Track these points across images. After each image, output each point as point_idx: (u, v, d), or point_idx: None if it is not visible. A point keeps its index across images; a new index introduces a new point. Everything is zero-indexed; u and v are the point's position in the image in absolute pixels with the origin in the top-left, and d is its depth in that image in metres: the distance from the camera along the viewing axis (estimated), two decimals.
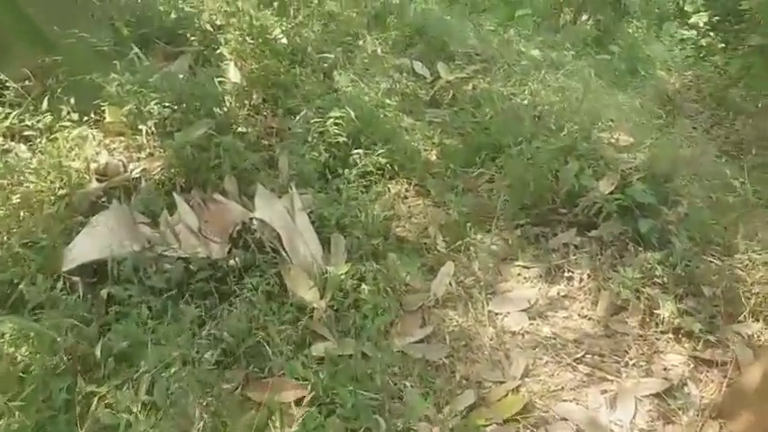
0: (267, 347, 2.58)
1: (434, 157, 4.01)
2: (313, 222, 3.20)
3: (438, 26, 5.22)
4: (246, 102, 4.00)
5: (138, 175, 3.32)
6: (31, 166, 3.19)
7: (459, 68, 4.75)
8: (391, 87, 4.34)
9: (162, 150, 3.46)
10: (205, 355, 2.45)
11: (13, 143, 3.37)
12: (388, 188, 3.68)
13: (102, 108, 3.53)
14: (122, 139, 3.56)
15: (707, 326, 2.86)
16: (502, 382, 2.67)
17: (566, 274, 3.22)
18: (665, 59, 7.43)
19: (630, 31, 7.84)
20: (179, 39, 4.33)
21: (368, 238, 3.18)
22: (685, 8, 7.81)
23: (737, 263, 3.17)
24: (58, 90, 3.48)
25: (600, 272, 3.18)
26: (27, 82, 3.56)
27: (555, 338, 2.90)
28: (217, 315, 2.69)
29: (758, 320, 2.92)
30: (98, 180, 3.30)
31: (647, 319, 2.94)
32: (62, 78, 3.51)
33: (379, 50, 4.69)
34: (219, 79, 3.89)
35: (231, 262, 2.90)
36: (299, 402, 2.41)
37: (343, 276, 2.87)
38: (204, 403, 2.30)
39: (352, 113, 3.73)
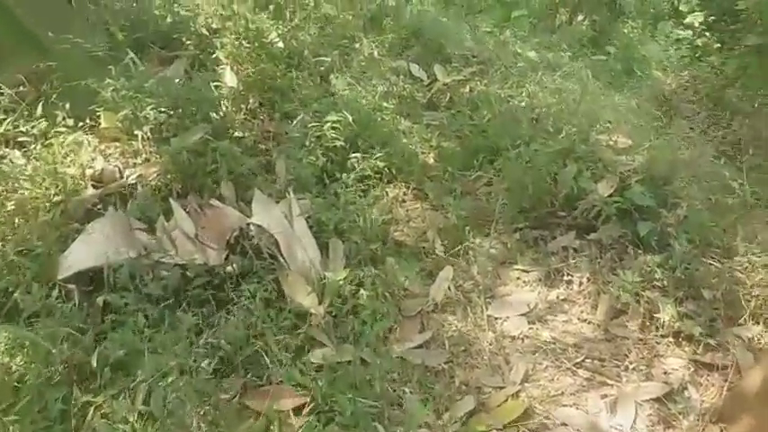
0: (265, 355, 2.56)
1: (432, 161, 4.00)
2: (311, 227, 3.18)
3: (434, 28, 5.19)
4: (243, 106, 3.98)
5: (134, 181, 3.30)
6: (26, 173, 3.16)
7: (455, 71, 4.73)
8: (388, 90, 4.31)
9: (158, 156, 3.44)
10: (202, 363, 2.44)
11: (7, 149, 3.34)
12: (386, 192, 3.67)
13: (98, 113, 3.50)
14: (118, 144, 3.53)
15: (707, 329, 2.86)
16: (501, 388, 2.66)
17: (565, 278, 3.21)
18: (660, 60, 7.42)
19: (626, 31, 7.82)
20: (174, 43, 4.30)
21: (366, 243, 3.17)
22: (680, 8, 7.83)
23: (737, 265, 3.16)
24: (53, 96, 3.45)
25: (599, 275, 3.17)
26: (21, 88, 3.54)
27: (555, 343, 2.89)
28: (214, 323, 2.68)
29: (758, 323, 2.91)
30: (94, 186, 3.27)
31: (647, 323, 2.93)
32: (57, 84, 3.49)
33: (375, 53, 4.67)
34: (215, 83, 3.86)
35: (228, 268, 2.88)
36: (297, 410, 2.40)
37: (341, 282, 2.86)
38: (202, 413, 2.28)
39: (350, 117, 3.71)
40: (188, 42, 4.28)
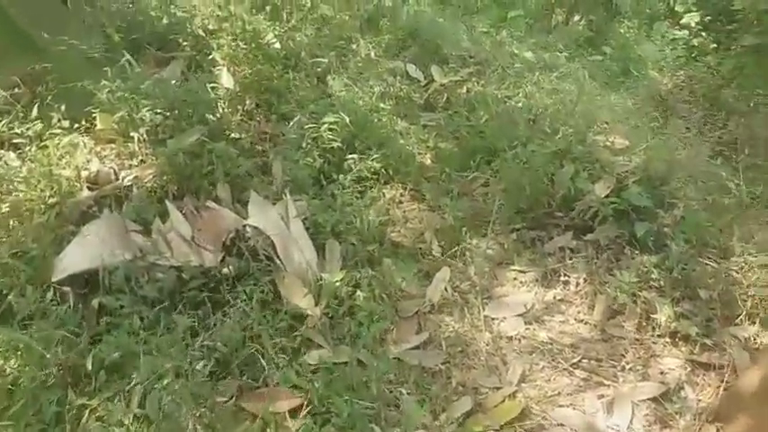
0: (261, 357, 2.56)
1: (429, 162, 4.00)
2: (308, 229, 3.18)
3: (431, 29, 5.19)
4: (239, 107, 3.97)
5: (129, 183, 3.28)
6: (21, 175, 3.15)
7: (452, 71, 4.74)
8: (385, 91, 4.32)
9: (154, 158, 3.43)
10: (198, 365, 2.43)
11: (2, 151, 3.33)
12: (383, 193, 3.67)
13: (93, 115, 3.49)
14: (114, 146, 3.52)
15: (703, 329, 2.86)
16: (498, 388, 2.66)
17: (562, 279, 3.21)
18: (656, 60, 7.42)
19: (622, 31, 7.83)
20: (171, 44, 4.29)
21: (363, 245, 3.17)
22: (676, 8, 7.82)
23: (734, 265, 3.17)
24: (48, 97, 3.44)
25: (596, 276, 3.17)
26: (16, 89, 3.54)
27: (551, 343, 2.89)
28: (210, 325, 2.66)
29: (754, 323, 2.91)
30: (89, 188, 3.26)
31: (644, 323, 2.94)
32: (52, 86, 3.49)
33: (372, 54, 4.67)
34: (212, 85, 3.86)
35: (224, 270, 2.87)
36: (294, 412, 2.39)
37: (338, 283, 2.86)
38: (198, 415, 2.27)
39: (347, 118, 3.71)
40: (184, 44, 4.27)
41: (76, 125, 3.46)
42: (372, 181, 3.67)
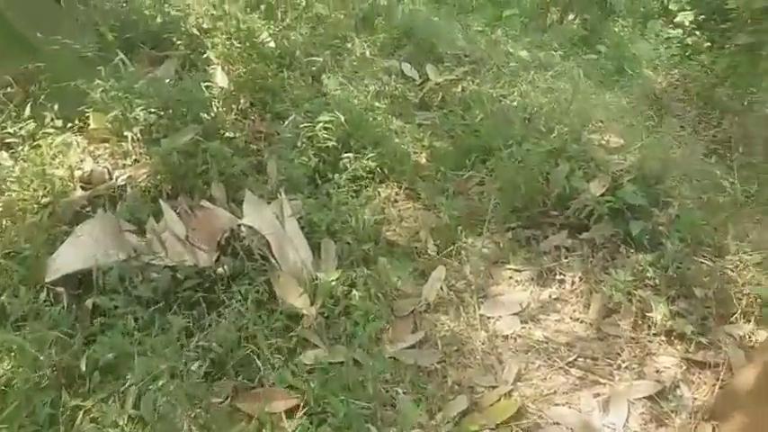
0: (257, 358, 2.54)
1: (424, 161, 3.99)
2: (303, 228, 3.17)
3: (426, 27, 5.19)
4: (234, 106, 3.96)
5: (123, 183, 3.27)
6: (14, 175, 3.13)
7: (448, 70, 4.73)
8: (380, 90, 4.31)
9: (148, 157, 3.41)
10: (193, 366, 2.42)
11: None
12: (379, 192, 3.66)
13: (87, 114, 3.48)
14: (107, 145, 3.51)
15: (699, 327, 2.87)
16: (494, 387, 2.65)
17: (557, 277, 3.21)
18: (651, 58, 7.44)
19: (616, 30, 7.85)
20: (165, 43, 4.27)
21: (358, 244, 3.16)
22: (670, 7, 7.84)
23: (728, 264, 3.17)
24: (41, 96, 3.42)
25: (591, 274, 3.18)
26: (9, 89, 3.52)
27: (547, 342, 2.89)
28: (205, 325, 2.65)
29: (749, 321, 2.92)
30: (82, 188, 3.25)
31: (640, 322, 2.94)
32: (45, 85, 3.47)
33: (367, 53, 4.66)
34: (206, 84, 3.84)
35: (219, 270, 2.86)
36: (289, 413, 2.38)
37: (333, 283, 2.85)
38: (193, 416, 2.26)
39: (342, 117, 3.70)
40: (178, 42, 4.25)
41: (70, 124, 3.44)
42: (368, 180, 3.66)
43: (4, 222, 2.96)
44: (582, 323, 2.99)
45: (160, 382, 2.31)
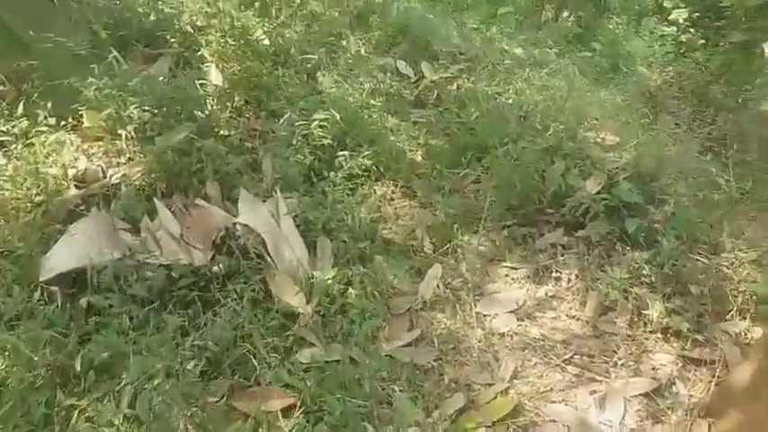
0: (253, 357, 2.53)
1: (420, 158, 3.99)
2: (298, 226, 3.16)
3: (421, 25, 5.19)
4: (228, 104, 3.94)
5: (117, 181, 3.25)
6: (7, 173, 3.12)
7: (443, 68, 4.73)
8: (375, 88, 4.30)
9: (142, 155, 3.39)
10: (189, 365, 2.40)
11: None
12: (374, 190, 3.65)
13: (80, 113, 3.46)
14: (101, 144, 3.49)
15: (695, 325, 2.87)
16: (491, 385, 2.65)
17: (553, 275, 3.21)
18: (645, 56, 7.46)
19: (611, 27, 7.87)
20: (158, 41, 4.24)
21: (354, 242, 3.15)
22: (664, 4, 7.84)
23: (724, 261, 3.18)
24: (34, 95, 3.40)
25: (588, 272, 3.18)
26: (2, 87, 3.50)
27: (543, 340, 2.89)
28: (200, 324, 2.64)
29: (745, 318, 2.93)
30: (76, 186, 3.23)
31: (636, 319, 2.94)
32: (38, 83, 3.44)
33: (362, 50, 4.65)
34: (201, 82, 3.82)
35: (214, 269, 2.85)
36: (286, 411, 2.37)
37: (329, 281, 2.84)
38: (189, 415, 2.25)
39: (337, 115, 3.68)
40: (172, 40, 4.23)
41: (63, 123, 3.42)
42: (363, 178, 3.65)
43: None
44: (578, 321, 2.99)
45: (156, 382, 2.30)
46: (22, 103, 3.38)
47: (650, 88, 6.43)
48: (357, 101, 4.04)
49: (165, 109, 3.51)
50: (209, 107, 3.78)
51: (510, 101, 4.35)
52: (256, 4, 4.59)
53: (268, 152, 3.65)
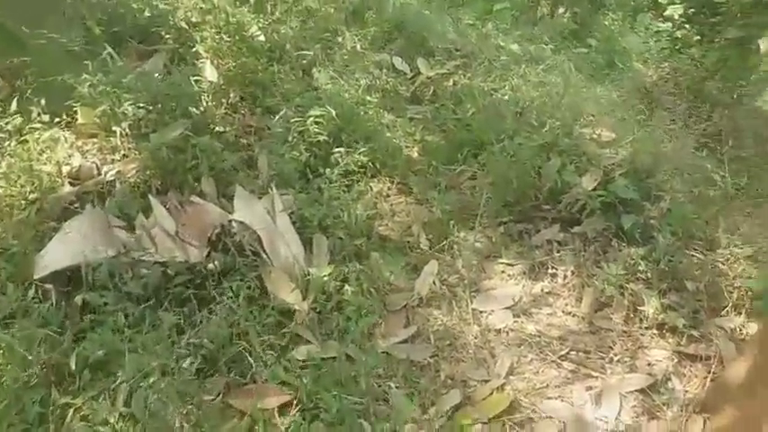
0: (249, 354, 2.53)
1: (416, 155, 3.98)
2: (294, 223, 3.15)
3: (417, 21, 5.17)
4: (224, 101, 3.92)
5: (112, 178, 3.23)
6: (0, 171, 3.09)
7: (439, 64, 4.71)
8: (371, 84, 4.29)
9: (137, 152, 3.38)
10: (185, 363, 2.39)
11: None
12: (371, 187, 3.64)
13: (75, 109, 3.43)
14: (96, 140, 3.46)
15: (690, 321, 2.88)
16: (487, 381, 2.65)
17: (549, 271, 3.21)
18: (641, 52, 7.46)
19: (606, 23, 7.87)
20: (153, 37, 4.22)
21: (350, 239, 3.15)
22: (659, 0, 7.86)
23: (720, 257, 3.19)
24: (28, 91, 3.38)
25: (583, 268, 3.18)
26: None
27: (539, 336, 2.89)
28: (196, 322, 2.62)
29: (740, 314, 2.93)
30: (71, 184, 3.21)
31: (631, 315, 2.95)
32: (32, 79, 3.42)
33: (358, 46, 4.64)
34: (195, 78, 3.80)
35: (210, 266, 2.83)
36: (282, 409, 2.37)
37: (325, 278, 2.84)
38: (185, 413, 2.24)
39: (333, 112, 3.68)
40: (167, 36, 4.21)
41: (57, 119, 3.39)
42: (359, 174, 3.64)
43: None
44: (574, 317, 2.99)
45: (151, 380, 2.29)
46: (15, 99, 3.35)
47: (646, 84, 6.44)
48: (353, 97, 4.02)
49: (159, 106, 3.49)
50: (205, 104, 3.76)
51: (506, 97, 4.34)
52: (251, 0, 4.57)
53: (263, 149, 3.64)
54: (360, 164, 3.63)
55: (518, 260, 3.28)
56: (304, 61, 4.32)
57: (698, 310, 2.95)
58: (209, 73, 3.95)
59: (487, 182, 3.59)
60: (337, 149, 3.63)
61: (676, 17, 6.89)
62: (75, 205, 3.08)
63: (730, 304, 2.96)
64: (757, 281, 3.02)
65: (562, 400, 2.60)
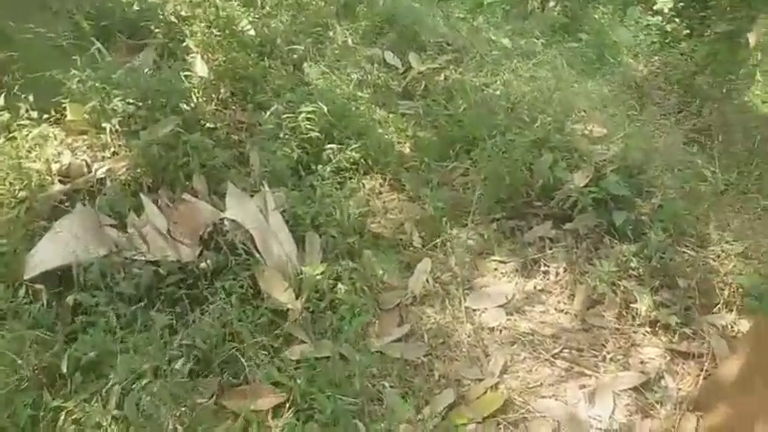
0: (241, 355, 2.51)
1: (408, 151, 3.96)
2: (287, 221, 3.13)
3: (408, 15, 5.13)
4: (214, 96, 3.89)
5: (102, 176, 3.19)
6: None
7: (430, 59, 4.69)
8: (363, 79, 4.27)
9: (127, 149, 3.34)
10: (177, 364, 2.38)
11: None
12: (363, 184, 3.63)
13: (63, 106, 3.38)
14: (85, 137, 3.42)
15: (682, 318, 2.90)
16: (481, 380, 2.66)
17: (542, 268, 3.22)
18: (631, 45, 7.45)
19: (597, 17, 7.85)
20: (142, 31, 4.17)
21: (343, 237, 3.13)
22: None
23: (711, 254, 3.21)
24: (15, 87, 3.31)
25: (576, 265, 3.19)
26: None
27: (532, 334, 2.90)
28: (189, 322, 2.60)
29: (732, 311, 2.96)
30: (61, 182, 3.16)
31: (624, 313, 2.96)
32: (19, 75, 3.36)
33: (349, 41, 4.61)
34: (186, 73, 3.77)
35: (202, 265, 2.82)
36: (276, 410, 2.36)
37: (318, 276, 2.82)
38: (178, 415, 2.23)
39: (325, 108, 3.64)
40: (156, 31, 4.16)
41: (46, 116, 3.35)
42: (351, 171, 3.62)
43: None
44: (567, 314, 3.00)
45: (144, 381, 2.27)
46: (2, 95, 3.29)
47: (636, 79, 6.43)
48: (344, 93, 4.00)
49: (149, 101, 3.45)
50: (195, 99, 3.73)
51: (498, 92, 4.33)
52: None
53: (255, 145, 3.61)
54: (352, 160, 3.61)
55: (511, 257, 3.29)
56: (295, 56, 4.29)
57: (690, 307, 2.97)
58: (200, 68, 3.91)
59: (480, 178, 3.58)
60: (329, 146, 3.61)
61: (666, 11, 6.90)
62: (66, 204, 3.04)
63: (722, 301, 2.98)
64: (748, 277, 3.05)
65: (556, 399, 2.61)
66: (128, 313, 2.57)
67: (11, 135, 3.21)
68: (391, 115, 4.15)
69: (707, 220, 3.40)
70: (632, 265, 3.07)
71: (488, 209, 3.48)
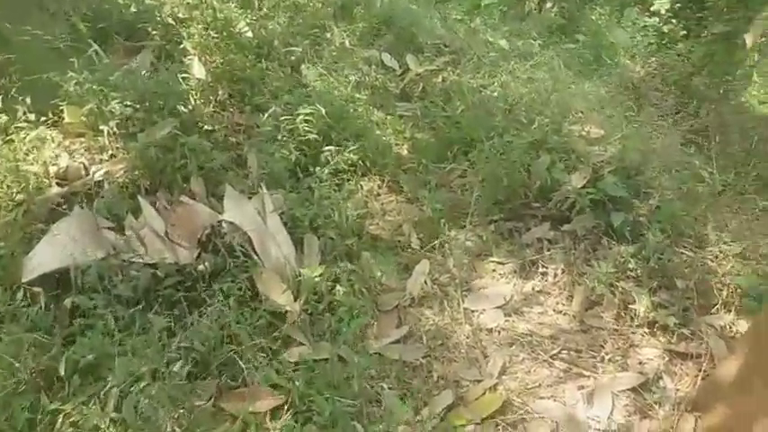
0: (240, 357, 2.51)
1: (406, 152, 3.97)
2: (285, 223, 3.13)
3: (405, 16, 5.15)
4: (212, 98, 3.89)
5: (100, 179, 3.19)
6: None
7: (428, 60, 4.70)
8: (360, 81, 4.27)
9: (125, 152, 3.34)
10: (176, 367, 2.37)
11: None
12: (361, 186, 3.63)
13: (61, 108, 3.38)
14: (83, 140, 3.42)
15: (681, 318, 2.90)
16: (479, 381, 2.66)
17: (540, 270, 3.22)
18: (628, 47, 7.48)
19: (594, 18, 7.88)
20: (140, 33, 4.17)
21: (341, 238, 3.13)
22: None
23: (709, 254, 3.21)
24: (13, 90, 3.30)
25: (574, 266, 3.19)
26: None
27: (531, 335, 2.90)
28: (187, 324, 2.60)
29: (730, 312, 2.96)
30: (58, 184, 3.16)
31: (622, 314, 2.96)
32: (16, 77, 3.35)
33: (347, 43, 4.61)
34: (183, 75, 3.77)
35: (200, 267, 2.81)
36: (274, 412, 2.36)
37: (317, 278, 2.82)
38: (176, 417, 2.22)
39: (323, 110, 3.65)
40: (154, 32, 4.16)
41: (43, 118, 3.34)
42: (350, 173, 3.62)
43: None
44: (565, 315, 3.00)
45: (142, 384, 2.27)
46: (0, 98, 3.29)
47: (633, 80, 6.45)
48: (342, 94, 4.00)
49: (147, 104, 3.46)
50: (193, 101, 3.73)
51: (495, 94, 4.34)
52: None
53: (253, 147, 3.61)
54: (350, 162, 3.62)
55: (509, 259, 3.29)
56: (292, 58, 4.29)
57: (688, 308, 2.97)
58: (197, 70, 3.91)
59: (478, 180, 3.59)
60: (327, 148, 3.61)
61: (663, 12, 6.92)
62: (63, 206, 3.04)
63: (720, 302, 2.98)
64: (746, 278, 3.05)
65: (554, 400, 2.60)
66: (126, 316, 2.56)
67: (8, 138, 3.20)
68: (389, 117, 4.15)
69: (705, 221, 3.40)
70: (630, 266, 3.07)
71: (486, 210, 3.49)
